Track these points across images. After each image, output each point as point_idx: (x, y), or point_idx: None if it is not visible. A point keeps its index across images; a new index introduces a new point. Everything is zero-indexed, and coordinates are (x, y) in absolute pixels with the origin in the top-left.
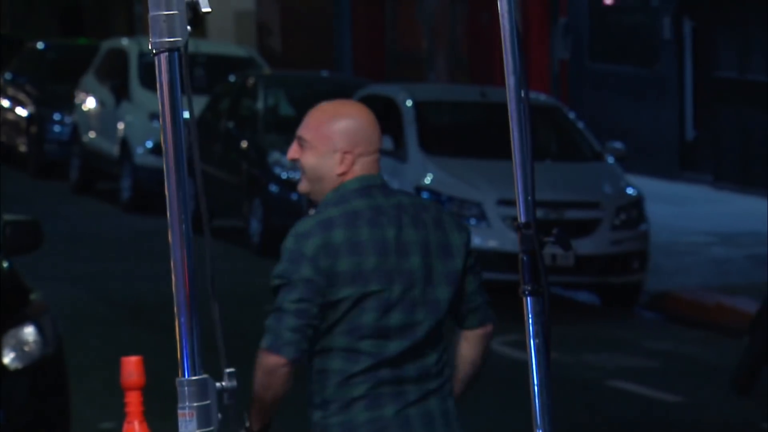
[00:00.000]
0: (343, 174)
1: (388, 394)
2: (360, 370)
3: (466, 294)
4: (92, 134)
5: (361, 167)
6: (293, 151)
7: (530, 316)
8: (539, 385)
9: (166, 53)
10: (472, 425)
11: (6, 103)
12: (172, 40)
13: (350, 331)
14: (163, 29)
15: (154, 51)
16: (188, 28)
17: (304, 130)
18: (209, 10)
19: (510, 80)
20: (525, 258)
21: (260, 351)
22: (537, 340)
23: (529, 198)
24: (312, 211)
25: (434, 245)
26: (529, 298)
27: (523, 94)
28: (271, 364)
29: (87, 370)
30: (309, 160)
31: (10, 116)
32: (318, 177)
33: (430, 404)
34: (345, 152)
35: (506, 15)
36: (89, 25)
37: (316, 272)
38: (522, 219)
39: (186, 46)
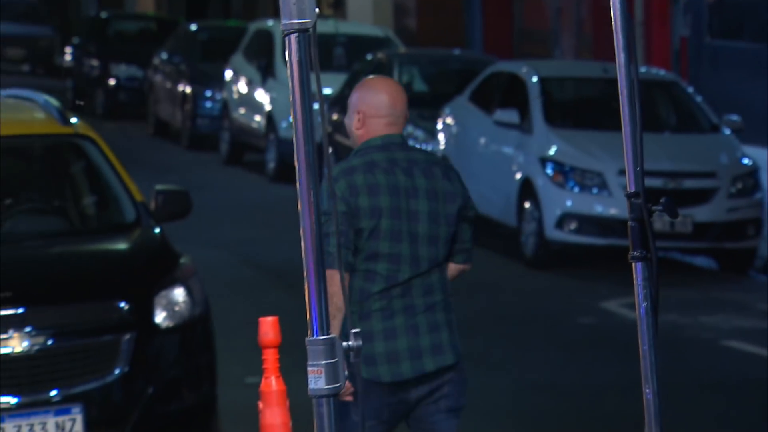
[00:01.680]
0: (358, 130)
1: (399, 308)
2: (377, 290)
3: (461, 237)
4: (241, 110)
5: (376, 127)
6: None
7: (639, 281)
8: (648, 346)
9: (296, 34)
10: (590, 379)
11: (162, 81)
12: (301, 21)
13: (369, 257)
14: (293, 11)
15: (284, 32)
16: (316, 10)
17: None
18: None
19: (620, 56)
20: (634, 225)
21: None
22: (645, 304)
23: (638, 168)
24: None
25: (440, 192)
26: (638, 264)
27: (632, 68)
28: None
29: (233, 330)
30: (345, 120)
31: (165, 93)
32: (348, 133)
33: (435, 315)
34: (358, 112)
35: None
36: (213, 8)
37: (346, 206)
38: (631, 188)
39: (314, 26)
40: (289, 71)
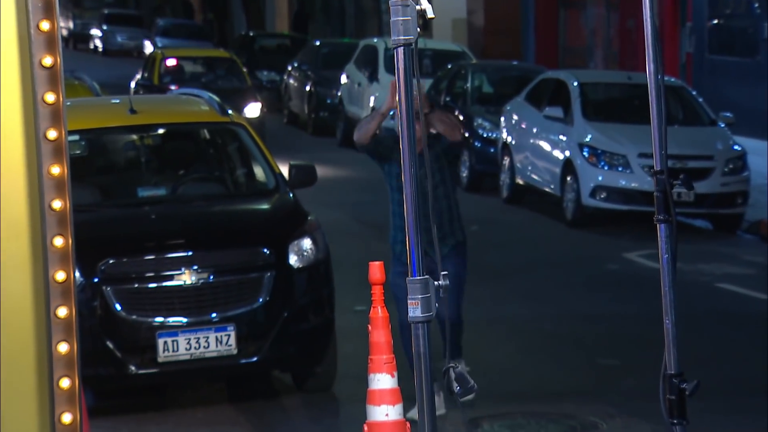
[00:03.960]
0: None
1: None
2: None
3: None
4: (352, 106)
5: None
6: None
7: (662, 237)
8: (668, 287)
9: (403, 47)
10: (615, 309)
11: (294, 83)
12: (406, 38)
13: None
14: (401, 30)
15: (393, 46)
16: (418, 29)
17: None
18: (433, 16)
19: (650, 66)
20: (659, 195)
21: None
22: (667, 255)
23: (663, 152)
24: None
25: None
26: (661, 226)
27: (659, 77)
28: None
29: (345, 270)
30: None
31: (296, 92)
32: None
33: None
34: None
35: (648, 19)
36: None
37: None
38: (657, 167)
39: (416, 42)
40: (396, 75)
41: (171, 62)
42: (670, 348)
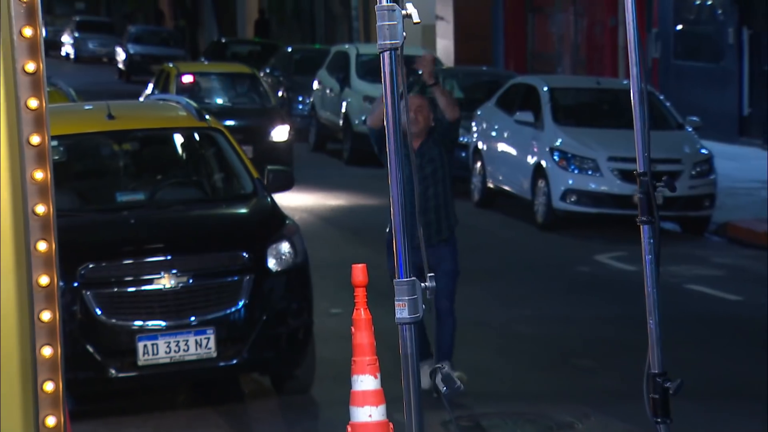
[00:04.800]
0: None
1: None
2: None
3: None
4: (324, 111)
5: None
6: None
7: (645, 238)
8: (652, 288)
9: (388, 51)
10: (586, 312)
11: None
12: (392, 42)
13: None
14: (386, 35)
15: (379, 50)
16: (404, 34)
17: None
18: (419, 21)
19: (633, 70)
20: (641, 197)
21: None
22: (650, 256)
23: (646, 154)
24: None
25: None
26: (644, 227)
27: (642, 83)
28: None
29: (323, 274)
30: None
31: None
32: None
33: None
34: None
35: (631, 24)
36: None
37: None
38: (640, 169)
39: (402, 47)
40: (382, 78)
41: (188, 79)
42: (654, 347)
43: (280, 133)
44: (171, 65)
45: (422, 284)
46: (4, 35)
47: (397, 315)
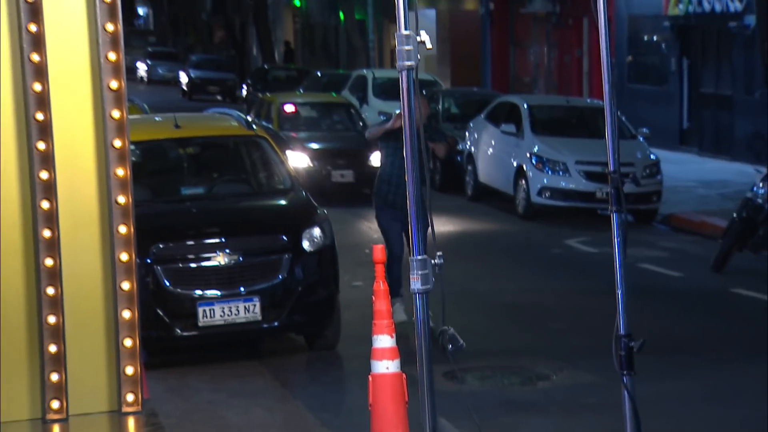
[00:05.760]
0: None
1: None
2: None
3: None
4: None
5: None
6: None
7: (615, 225)
8: (619, 264)
9: (406, 71)
10: (556, 285)
11: None
12: (409, 63)
13: None
14: (404, 56)
15: (398, 69)
16: (418, 57)
17: None
18: (431, 47)
19: (606, 86)
20: (613, 191)
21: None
22: (619, 239)
23: (616, 156)
24: None
25: None
26: (615, 215)
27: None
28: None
29: (345, 253)
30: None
31: None
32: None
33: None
34: None
35: (605, 52)
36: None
37: None
38: (611, 168)
39: (417, 68)
40: (401, 95)
41: (289, 108)
42: (620, 313)
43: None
44: (270, 95)
45: (432, 261)
46: (93, 59)
47: (412, 286)
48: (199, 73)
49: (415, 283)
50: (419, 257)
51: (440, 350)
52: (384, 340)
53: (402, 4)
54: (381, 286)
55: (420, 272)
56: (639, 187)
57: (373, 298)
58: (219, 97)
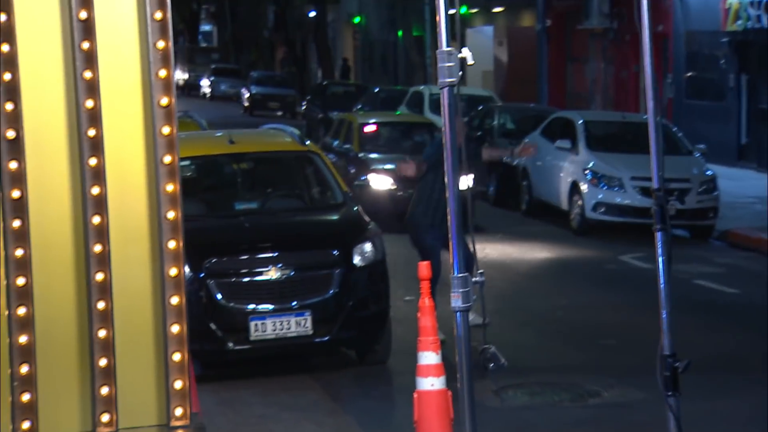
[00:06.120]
0: None
1: None
2: None
3: None
4: None
5: None
6: None
7: (660, 243)
8: (664, 283)
9: (447, 88)
10: (610, 301)
11: None
12: (450, 80)
13: None
14: (446, 74)
15: (440, 87)
16: (460, 73)
17: None
18: (473, 62)
19: (650, 104)
20: (657, 209)
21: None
22: (663, 257)
23: (660, 173)
24: None
25: None
26: (659, 233)
27: (657, 116)
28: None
29: (397, 269)
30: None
31: None
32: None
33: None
34: None
35: (648, 68)
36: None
37: None
38: (656, 185)
39: (459, 85)
40: (442, 110)
41: (370, 129)
42: (665, 333)
43: (464, 182)
44: (349, 114)
45: (473, 279)
46: (144, 76)
47: (453, 304)
48: (259, 89)
49: (456, 301)
50: (459, 275)
51: (481, 369)
52: (429, 357)
53: (443, 21)
54: (426, 302)
55: (461, 290)
56: (683, 205)
57: (419, 314)
58: (279, 113)
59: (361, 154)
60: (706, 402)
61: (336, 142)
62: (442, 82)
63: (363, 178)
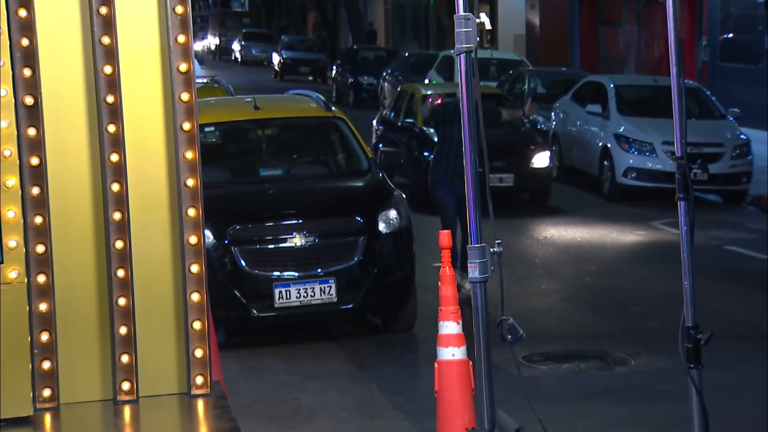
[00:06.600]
0: None
1: None
2: None
3: None
4: None
5: None
6: None
7: (682, 212)
8: (686, 254)
9: (464, 54)
10: (640, 268)
11: (388, 86)
12: (467, 46)
13: None
14: (462, 39)
15: (456, 53)
16: (477, 38)
17: None
18: (490, 27)
19: (673, 70)
20: (679, 177)
21: None
22: (686, 228)
23: (683, 141)
24: None
25: None
26: (681, 203)
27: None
28: None
29: (426, 237)
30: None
31: (390, 94)
32: None
33: None
34: None
35: (672, 32)
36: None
37: None
38: (678, 154)
39: (476, 50)
40: (459, 77)
41: (436, 101)
42: (687, 304)
43: (542, 159)
44: (412, 85)
45: (491, 249)
46: (163, 41)
47: (470, 275)
48: (290, 53)
49: (473, 272)
50: (477, 245)
51: (499, 340)
52: (450, 327)
53: None
54: (447, 271)
55: (478, 261)
56: (706, 173)
57: (439, 283)
58: (310, 78)
59: (423, 129)
60: (730, 371)
61: (393, 114)
62: (459, 48)
63: (428, 155)
